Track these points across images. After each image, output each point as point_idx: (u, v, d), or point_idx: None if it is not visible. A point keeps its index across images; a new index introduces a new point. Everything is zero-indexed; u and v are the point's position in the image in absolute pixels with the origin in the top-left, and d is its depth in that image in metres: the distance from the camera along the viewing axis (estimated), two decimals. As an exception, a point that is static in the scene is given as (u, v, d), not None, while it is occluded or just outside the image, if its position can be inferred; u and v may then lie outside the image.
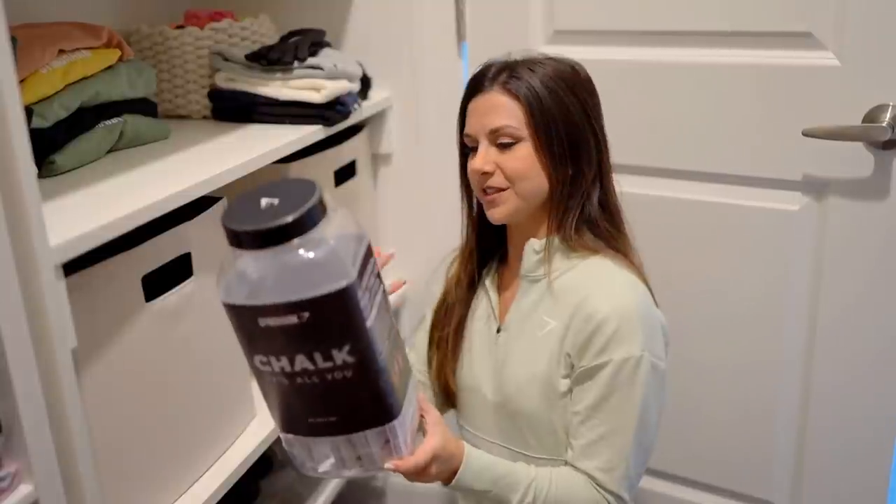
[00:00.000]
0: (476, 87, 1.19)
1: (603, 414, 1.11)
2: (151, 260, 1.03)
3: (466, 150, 1.22)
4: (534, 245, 1.20)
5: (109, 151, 1.20)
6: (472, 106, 1.19)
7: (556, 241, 1.19)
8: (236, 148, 1.26)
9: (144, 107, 1.26)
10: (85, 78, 1.13)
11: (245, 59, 1.41)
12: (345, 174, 1.55)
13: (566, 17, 1.55)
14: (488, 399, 1.24)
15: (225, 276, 0.83)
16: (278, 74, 1.40)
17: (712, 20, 1.43)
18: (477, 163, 1.17)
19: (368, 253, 0.87)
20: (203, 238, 1.12)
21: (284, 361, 0.84)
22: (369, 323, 0.84)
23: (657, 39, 1.48)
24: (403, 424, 0.94)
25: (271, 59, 1.39)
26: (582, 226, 1.18)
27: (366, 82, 1.58)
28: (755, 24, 1.39)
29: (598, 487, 1.12)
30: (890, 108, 1.30)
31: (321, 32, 1.52)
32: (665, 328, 1.16)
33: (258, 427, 1.28)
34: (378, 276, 0.90)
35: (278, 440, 1.40)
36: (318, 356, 0.84)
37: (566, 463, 1.16)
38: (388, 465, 0.95)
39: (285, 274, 0.80)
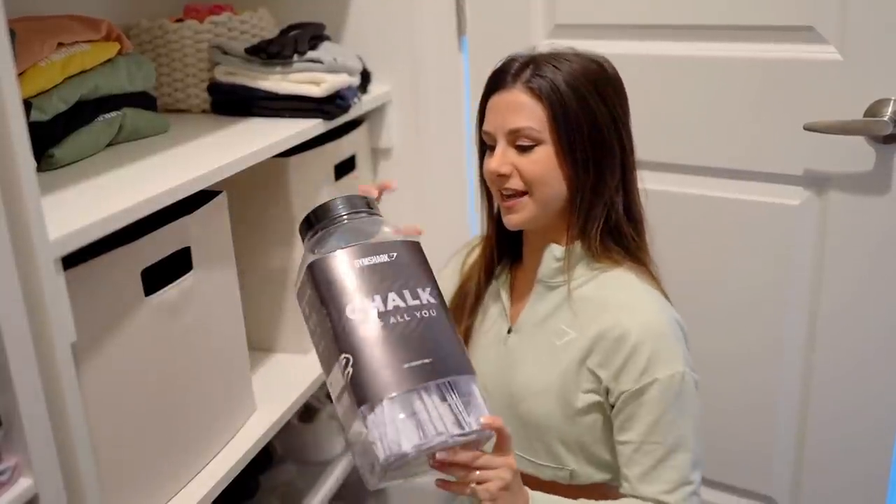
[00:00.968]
0: (498, 82, 1.14)
1: (657, 436, 1.09)
2: (151, 254, 1.03)
3: (485, 147, 1.18)
4: (555, 251, 1.17)
5: (109, 145, 1.19)
6: (492, 102, 1.15)
7: (579, 249, 1.16)
8: (236, 142, 1.26)
9: (144, 100, 1.25)
10: (84, 71, 1.13)
11: (244, 52, 1.40)
12: (344, 168, 1.55)
13: (567, 11, 1.54)
14: (495, 401, 1.21)
15: (322, 245, 0.98)
16: (278, 68, 1.39)
17: (713, 14, 1.42)
18: (493, 163, 1.12)
19: None
20: (203, 232, 1.12)
21: (378, 301, 0.93)
22: None
23: (658, 33, 1.48)
24: (480, 386, 0.97)
25: (271, 52, 1.39)
26: (606, 235, 1.15)
27: (366, 76, 1.58)
28: (757, 18, 1.39)
29: None
30: (891, 102, 1.30)
31: (321, 26, 1.52)
32: (686, 335, 1.15)
33: (258, 421, 1.28)
34: None
35: (278, 435, 1.40)
36: (406, 294, 0.94)
37: (622, 495, 1.13)
38: (483, 419, 0.92)
39: (372, 230, 1.00)
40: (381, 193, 1.22)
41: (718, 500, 1.66)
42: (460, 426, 0.90)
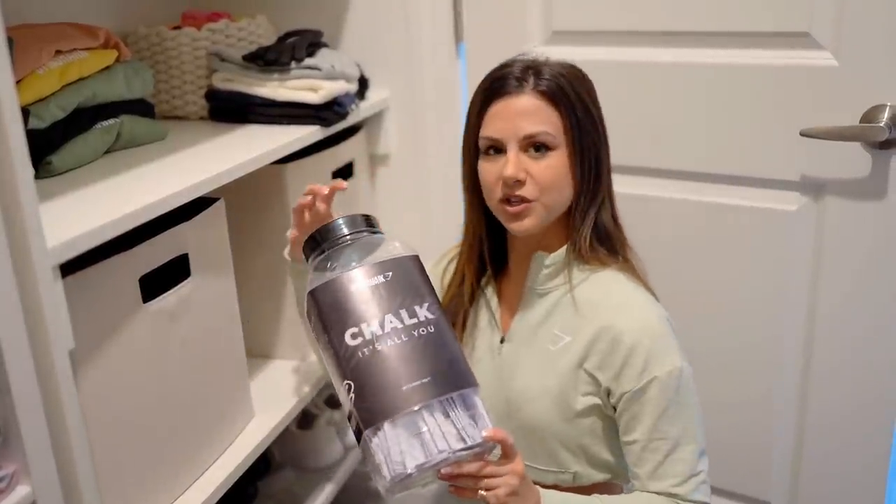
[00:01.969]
0: (501, 88, 1.13)
1: (662, 432, 1.10)
2: (149, 261, 1.03)
3: (475, 153, 1.17)
4: (543, 259, 1.18)
5: (106, 152, 1.20)
6: (496, 109, 1.13)
7: (569, 253, 1.16)
8: (234, 149, 1.26)
9: (141, 107, 1.25)
10: (82, 78, 1.13)
11: (242, 59, 1.40)
12: (343, 175, 1.55)
13: (564, 18, 1.55)
14: (493, 411, 1.22)
15: (319, 274, 1.00)
16: (275, 75, 1.40)
17: (710, 20, 1.43)
18: (510, 170, 1.10)
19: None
20: (200, 239, 1.12)
21: (375, 325, 0.94)
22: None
23: (655, 40, 1.49)
24: (483, 399, 0.98)
25: (268, 59, 1.39)
26: (594, 237, 1.16)
27: (363, 83, 1.58)
28: (753, 25, 1.39)
29: (681, 502, 1.11)
30: (887, 108, 1.30)
31: (318, 33, 1.52)
32: (674, 329, 1.16)
33: (256, 428, 1.28)
34: None
35: (277, 441, 1.40)
36: (404, 313, 0.95)
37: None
38: (485, 432, 0.93)
39: (369, 249, 1.01)
40: (332, 194, 1.18)
41: (717, 505, 1.66)
42: (463, 441, 0.92)
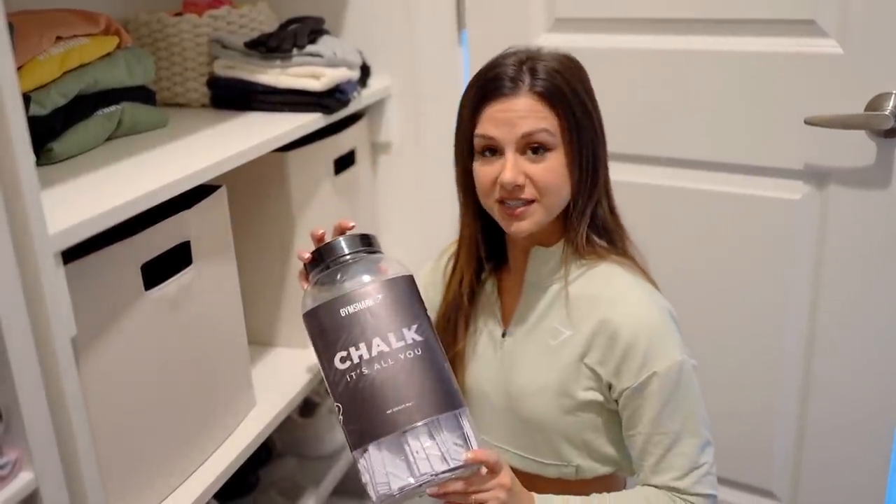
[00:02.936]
0: (496, 89, 1.10)
1: (663, 426, 1.10)
2: (150, 248, 1.03)
3: (469, 154, 1.16)
4: (542, 253, 1.18)
5: (108, 139, 1.19)
6: (492, 110, 1.10)
7: (566, 248, 1.16)
8: (235, 136, 1.26)
9: (143, 94, 1.25)
10: (83, 65, 1.13)
11: (244, 46, 1.40)
12: (344, 162, 1.55)
13: (567, 5, 1.54)
14: (495, 404, 1.22)
15: (307, 295, 1.04)
16: (277, 62, 1.39)
17: (714, 7, 1.42)
18: (508, 175, 1.08)
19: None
20: (202, 226, 1.12)
21: (363, 349, 0.97)
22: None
23: (659, 27, 1.48)
24: (470, 419, 1.00)
25: (270, 46, 1.39)
26: (591, 232, 1.16)
27: (365, 70, 1.57)
28: (758, 12, 1.38)
29: (682, 496, 1.11)
30: (893, 96, 1.29)
31: (320, 20, 1.51)
32: (677, 321, 1.15)
33: (258, 416, 1.28)
34: None
35: (278, 429, 1.40)
36: (391, 336, 0.98)
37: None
38: (467, 455, 0.95)
39: (362, 269, 1.03)
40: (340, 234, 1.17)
41: (719, 494, 1.65)
42: (447, 462, 0.95)
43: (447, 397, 0.98)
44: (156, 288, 1.04)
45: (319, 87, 1.37)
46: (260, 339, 1.48)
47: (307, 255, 1.09)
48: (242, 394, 1.27)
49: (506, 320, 1.24)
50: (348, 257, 1.05)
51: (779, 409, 1.56)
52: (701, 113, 1.47)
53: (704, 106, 1.46)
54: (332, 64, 1.40)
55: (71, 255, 0.87)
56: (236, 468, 1.19)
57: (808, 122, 1.34)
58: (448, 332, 1.28)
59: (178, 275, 1.08)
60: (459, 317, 1.28)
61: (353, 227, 1.16)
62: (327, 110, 1.39)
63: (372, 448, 0.94)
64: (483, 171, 1.13)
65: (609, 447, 1.18)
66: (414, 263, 1.68)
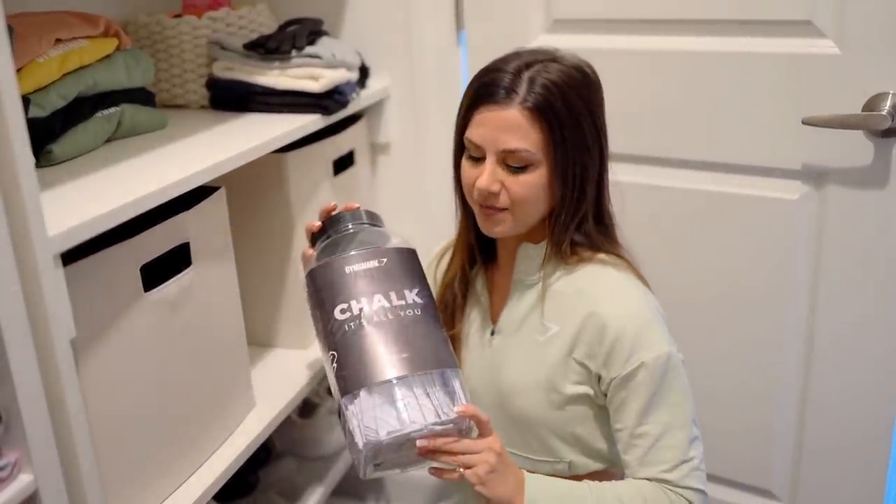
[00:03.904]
0: (489, 94, 1.10)
1: (651, 417, 1.09)
2: (150, 249, 1.03)
3: (462, 151, 1.17)
4: (529, 250, 1.19)
5: (107, 141, 1.19)
6: (483, 116, 1.11)
7: (550, 248, 1.17)
8: (234, 137, 1.26)
9: (142, 96, 1.25)
10: (82, 67, 1.13)
11: (243, 48, 1.40)
12: (343, 163, 1.55)
13: (566, 6, 1.54)
14: (485, 402, 1.22)
15: (312, 258, 1.08)
16: (276, 63, 1.39)
17: (712, 8, 1.42)
18: (483, 181, 1.10)
19: None
20: (202, 227, 1.12)
21: (364, 302, 1.00)
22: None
23: (657, 28, 1.48)
24: (463, 382, 1.01)
25: (269, 48, 1.39)
26: (576, 241, 1.16)
27: (364, 71, 1.57)
28: (755, 13, 1.39)
29: (671, 489, 1.09)
30: (890, 96, 1.30)
31: (319, 21, 1.52)
32: (664, 318, 1.16)
33: (258, 417, 1.28)
34: None
35: (278, 430, 1.40)
36: (393, 294, 1.01)
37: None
38: (458, 408, 0.97)
39: (369, 237, 1.09)
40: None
41: (718, 494, 1.66)
42: (437, 416, 0.96)
43: (444, 356, 1.01)
44: (155, 289, 1.04)
45: (318, 88, 1.37)
46: (259, 340, 1.49)
47: (317, 224, 1.13)
48: (242, 395, 1.27)
49: (494, 318, 1.25)
50: (357, 226, 1.09)
51: (778, 407, 1.56)
52: (699, 113, 1.47)
53: (702, 106, 1.47)
54: (331, 65, 1.40)
55: (70, 256, 0.87)
56: (236, 469, 1.19)
57: (806, 122, 1.35)
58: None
59: (178, 276, 1.08)
60: (454, 311, 1.29)
61: (358, 207, 1.20)
62: (326, 111, 1.40)
63: (363, 393, 0.95)
64: (467, 170, 1.15)
65: (601, 442, 1.18)
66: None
